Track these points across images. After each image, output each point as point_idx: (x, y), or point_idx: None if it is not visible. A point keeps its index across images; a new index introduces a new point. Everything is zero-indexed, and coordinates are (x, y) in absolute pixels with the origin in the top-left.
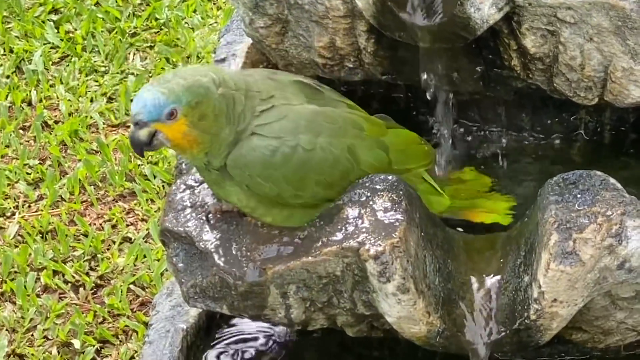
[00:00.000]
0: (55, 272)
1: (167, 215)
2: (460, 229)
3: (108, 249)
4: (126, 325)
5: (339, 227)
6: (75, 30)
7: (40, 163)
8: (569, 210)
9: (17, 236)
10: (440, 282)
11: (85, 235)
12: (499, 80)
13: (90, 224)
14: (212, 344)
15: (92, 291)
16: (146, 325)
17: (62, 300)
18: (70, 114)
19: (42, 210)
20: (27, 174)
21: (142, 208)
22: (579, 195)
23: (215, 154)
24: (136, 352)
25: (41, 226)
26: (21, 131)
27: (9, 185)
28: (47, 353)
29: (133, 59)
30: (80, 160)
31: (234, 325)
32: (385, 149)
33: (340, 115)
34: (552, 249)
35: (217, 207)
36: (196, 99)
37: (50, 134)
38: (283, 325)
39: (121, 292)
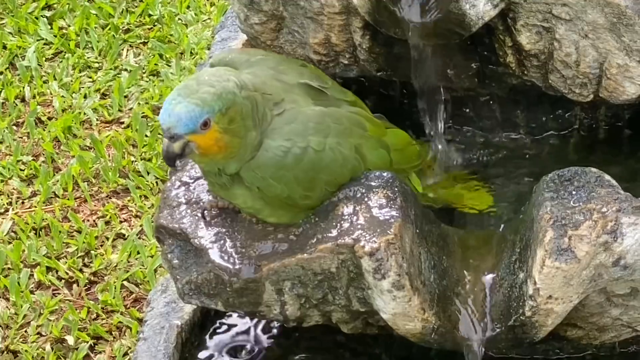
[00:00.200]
0: (48, 269)
1: (162, 211)
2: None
3: (102, 246)
4: (120, 322)
5: (334, 223)
6: (69, 26)
7: (33, 159)
8: (564, 207)
9: (11, 232)
10: (436, 279)
11: (79, 232)
12: (494, 77)
13: (83, 221)
14: (206, 340)
15: (86, 287)
16: (140, 321)
17: (56, 296)
18: (63, 110)
19: (35, 207)
20: (21, 170)
21: (135, 204)
22: (574, 192)
23: (241, 158)
24: (130, 348)
25: (35, 222)
26: (14, 127)
27: (2, 181)
28: (40, 349)
29: (126, 55)
30: (73, 156)
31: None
32: (387, 149)
33: (344, 116)
34: (548, 245)
35: (213, 203)
36: (226, 106)
37: (44, 130)
38: (278, 322)
39: (115, 288)
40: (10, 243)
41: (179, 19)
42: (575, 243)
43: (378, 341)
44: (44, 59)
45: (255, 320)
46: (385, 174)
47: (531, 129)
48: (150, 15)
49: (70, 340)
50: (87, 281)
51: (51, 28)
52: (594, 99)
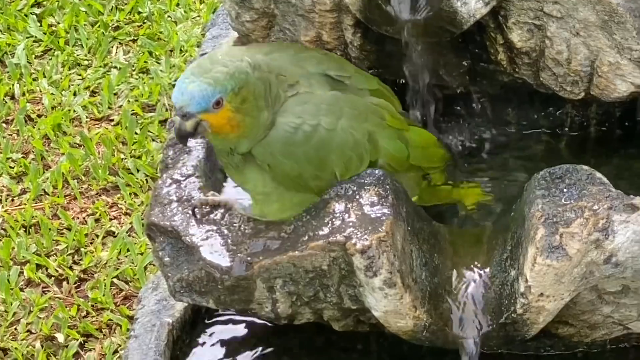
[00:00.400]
0: (38, 266)
1: (153, 209)
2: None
3: (91, 243)
4: (110, 319)
5: (325, 221)
6: (58, 23)
7: (23, 157)
8: (555, 205)
9: (0, 230)
10: (427, 277)
11: (69, 229)
12: (486, 75)
13: (73, 218)
14: (197, 338)
15: (76, 285)
16: (130, 319)
17: (46, 294)
18: (53, 108)
19: (25, 204)
20: (10, 167)
21: (125, 202)
22: (565, 190)
23: (254, 138)
24: (120, 345)
25: (24, 220)
26: (4, 125)
27: None
28: (30, 347)
29: (116, 52)
30: (63, 154)
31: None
32: (406, 143)
33: (361, 103)
34: (539, 243)
35: (204, 201)
36: (239, 85)
37: (34, 127)
38: (269, 320)
39: (105, 285)
40: None
41: (169, 16)
42: (566, 241)
43: (369, 339)
44: (33, 56)
45: (247, 318)
46: (377, 172)
47: (522, 126)
48: (139, 13)
49: (60, 337)
50: (77, 279)
51: (40, 25)
52: (585, 96)
